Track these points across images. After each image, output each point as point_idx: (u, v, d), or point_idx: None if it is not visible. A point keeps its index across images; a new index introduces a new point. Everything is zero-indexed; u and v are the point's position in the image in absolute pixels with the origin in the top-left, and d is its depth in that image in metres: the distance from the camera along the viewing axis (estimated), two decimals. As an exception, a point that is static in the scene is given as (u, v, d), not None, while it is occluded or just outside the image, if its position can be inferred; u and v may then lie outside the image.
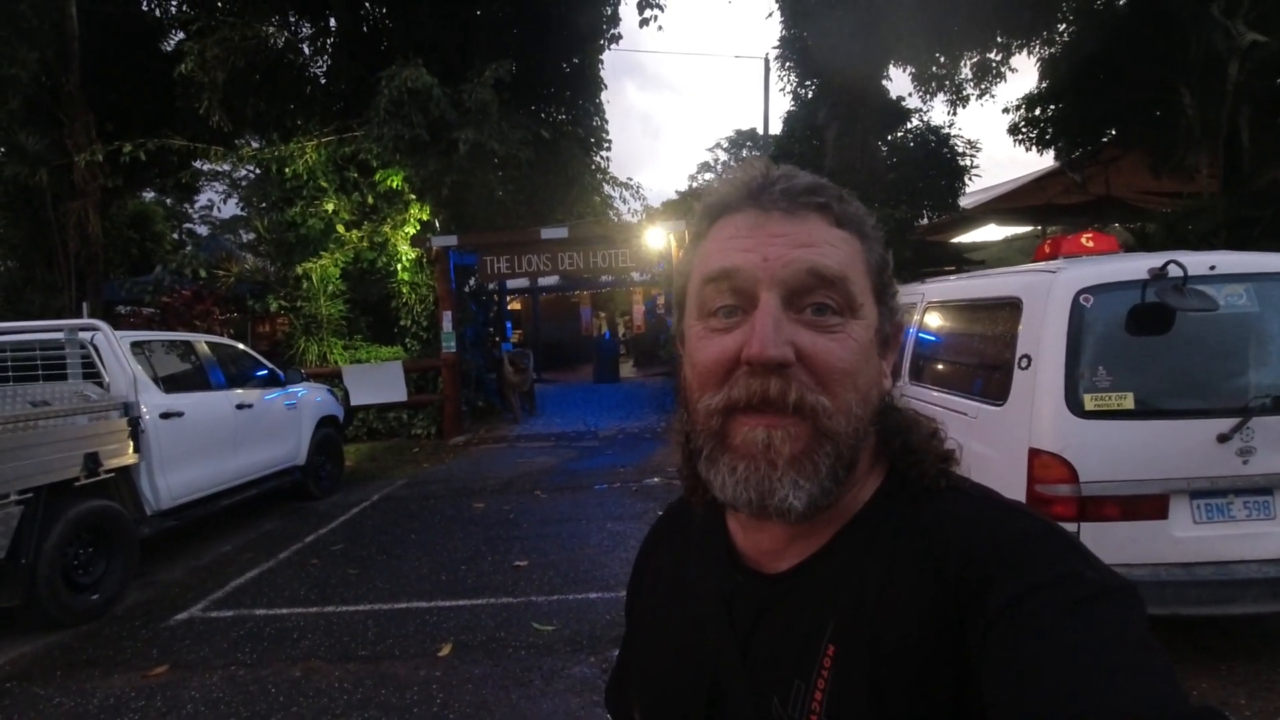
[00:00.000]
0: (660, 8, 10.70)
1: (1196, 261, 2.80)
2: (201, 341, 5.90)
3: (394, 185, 9.86)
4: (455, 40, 10.33)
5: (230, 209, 19.62)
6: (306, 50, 11.78)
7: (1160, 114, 9.82)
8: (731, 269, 0.56)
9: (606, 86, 11.95)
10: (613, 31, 11.37)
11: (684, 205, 14.04)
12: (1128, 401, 2.77)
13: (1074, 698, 0.42)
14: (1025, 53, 12.56)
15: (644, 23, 10.75)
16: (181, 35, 11.43)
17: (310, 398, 7.00)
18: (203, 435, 5.33)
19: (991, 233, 15.19)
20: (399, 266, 10.15)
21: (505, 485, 7.06)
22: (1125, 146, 11.47)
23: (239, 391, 5.89)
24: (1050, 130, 12.72)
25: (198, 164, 12.82)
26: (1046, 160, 13.07)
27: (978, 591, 0.50)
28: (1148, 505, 2.76)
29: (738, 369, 0.54)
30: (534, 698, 3.06)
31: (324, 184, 10.25)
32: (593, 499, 6.44)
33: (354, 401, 9.02)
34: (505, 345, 12.70)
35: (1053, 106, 12.67)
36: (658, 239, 9.80)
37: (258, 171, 11.86)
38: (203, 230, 21.77)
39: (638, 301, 19.74)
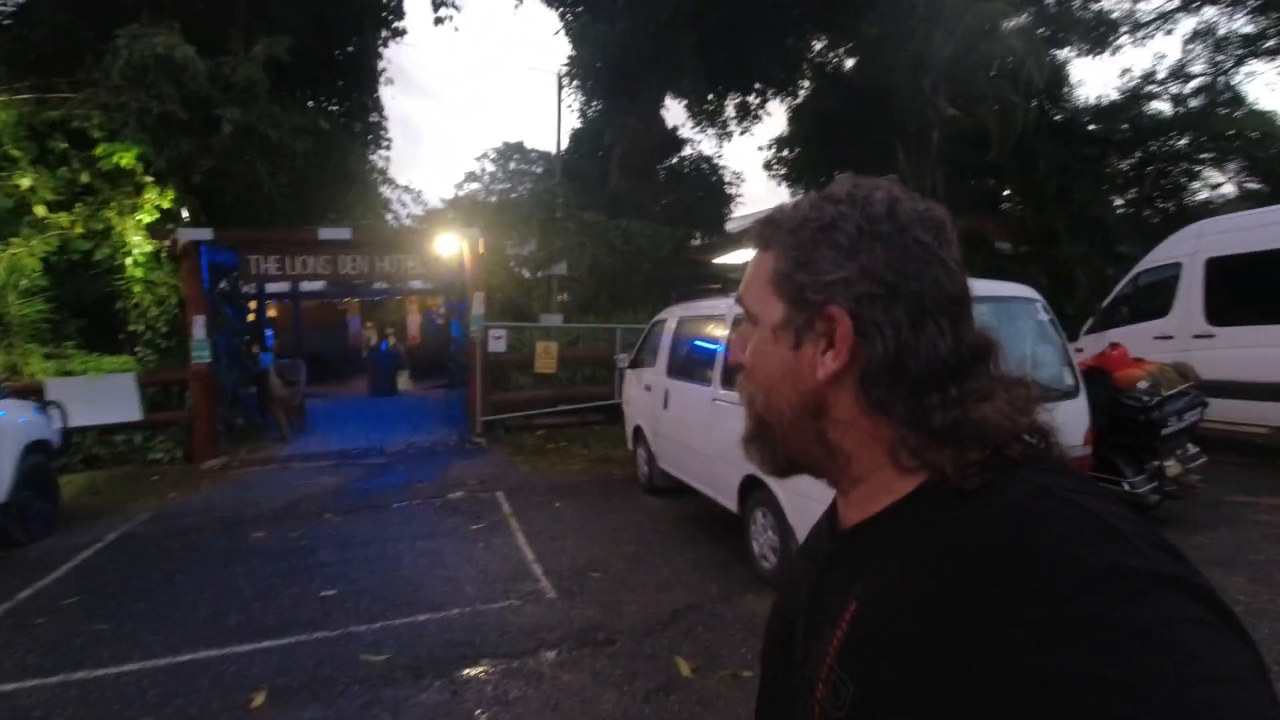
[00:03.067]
0: (456, 8, 10.38)
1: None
2: None
3: (122, 163, 8.23)
4: (207, 7, 8.97)
5: None
6: (-12, -16, 9.38)
7: (881, 165, 11.93)
8: None
9: (392, 81, 11.26)
10: (397, 24, 10.73)
11: (468, 211, 13.66)
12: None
13: None
14: (778, 100, 14.46)
15: (439, 21, 10.34)
16: None
17: (12, 418, 5.55)
18: None
19: (749, 255, 17.04)
20: (129, 261, 8.47)
21: (286, 511, 6.25)
22: (852, 190, 13.69)
23: (-92, 411, 4.49)
24: (795, 169, 14.75)
25: None
26: (796, 194, 15.05)
27: (1013, 595, 0.46)
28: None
29: None
30: (384, 734, 2.79)
31: (14, 153, 8.20)
32: (394, 518, 5.99)
33: (71, 422, 7.32)
34: (265, 356, 11.22)
35: (797, 149, 14.70)
36: (450, 246, 9.44)
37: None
38: None
39: (414, 311, 18.69)
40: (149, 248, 8.49)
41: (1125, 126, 10.41)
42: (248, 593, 4.32)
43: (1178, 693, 0.38)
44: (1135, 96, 11.76)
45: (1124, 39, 12.31)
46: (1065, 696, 0.40)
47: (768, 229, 0.69)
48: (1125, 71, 12.06)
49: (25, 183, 8.16)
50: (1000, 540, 0.50)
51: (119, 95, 7.43)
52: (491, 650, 3.49)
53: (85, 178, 8.43)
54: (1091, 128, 10.10)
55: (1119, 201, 11.11)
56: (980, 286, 2.85)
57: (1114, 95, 11.79)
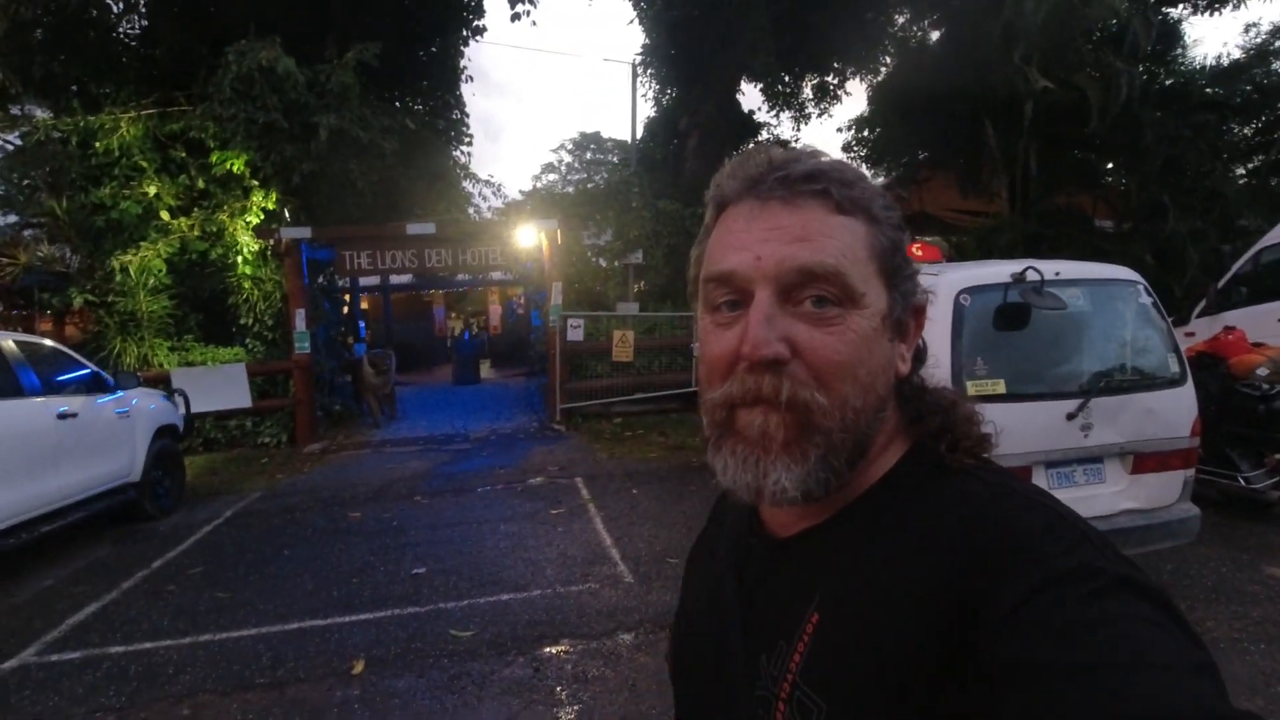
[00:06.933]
0: (532, 3, 10.57)
1: (1046, 268, 3.32)
2: (8, 340, 4.98)
3: (233, 169, 8.88)
4: (305, 18, 9.50)
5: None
6: (115, 7, 10.24)
7: (967, 142, 11.35)
8: (729, 272, 0.57)
9: (472, 79, 11.58)
10: (477, 23, 11.04)
11: (545, 202, 13.95)
12: (1000, 387, 3.23)
13: (1095, 706, 0.40)
14: (857, 79, 13.98)
15: (515, 17, 10.57)
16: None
17: (144, 405, 6.15)
18: (16, 450, 4.53)
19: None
20: (239, 259, 9.15)
21: (379, 492, 6.65)
22: (935, 168, 13.10)
23: (60, 398, 5.05)
24: (875, 151, 14.22)
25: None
26: (878, 176, 14.50)
27: (984, 587, 0.48)
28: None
29: (739, 363, 0.56)
30: (471, 704, 2.97)
31: (143, 163, 9.00)
32: (479, 502, 6.26)
33: (193, 408, 8.03)
34: (359, 346, 11.89)
35: (878, 129, 14.16)
36: (529, 237, 9.70)
37: (16, 142, 10.01)
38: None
39: (494, 302, 19.30)
40: (256, 247, 9.15)
41: (1248, 88, 9.49)
42: (346, 568, 4.65)
43: (1133, 677, 0.40)
44: (1262, 54, 10.69)
45: (1249, -9, 11.20)
46: (1032, 680, 0.43)
47: (845, 191, 0.57)
48: (1250, 27, 10.93)
49: (152, 190, 8.93)
50: (974, 536, 0.51)
51: (229, 107, 8.01)
52: (571, 631, 3.63)
53: (201, 184, 9.16)
54: (1208, 91, 9.27)
55: (1240, 171, 10.17)
56: (1076, 269, 2.74)
57: (1236, 54, 10.78)
